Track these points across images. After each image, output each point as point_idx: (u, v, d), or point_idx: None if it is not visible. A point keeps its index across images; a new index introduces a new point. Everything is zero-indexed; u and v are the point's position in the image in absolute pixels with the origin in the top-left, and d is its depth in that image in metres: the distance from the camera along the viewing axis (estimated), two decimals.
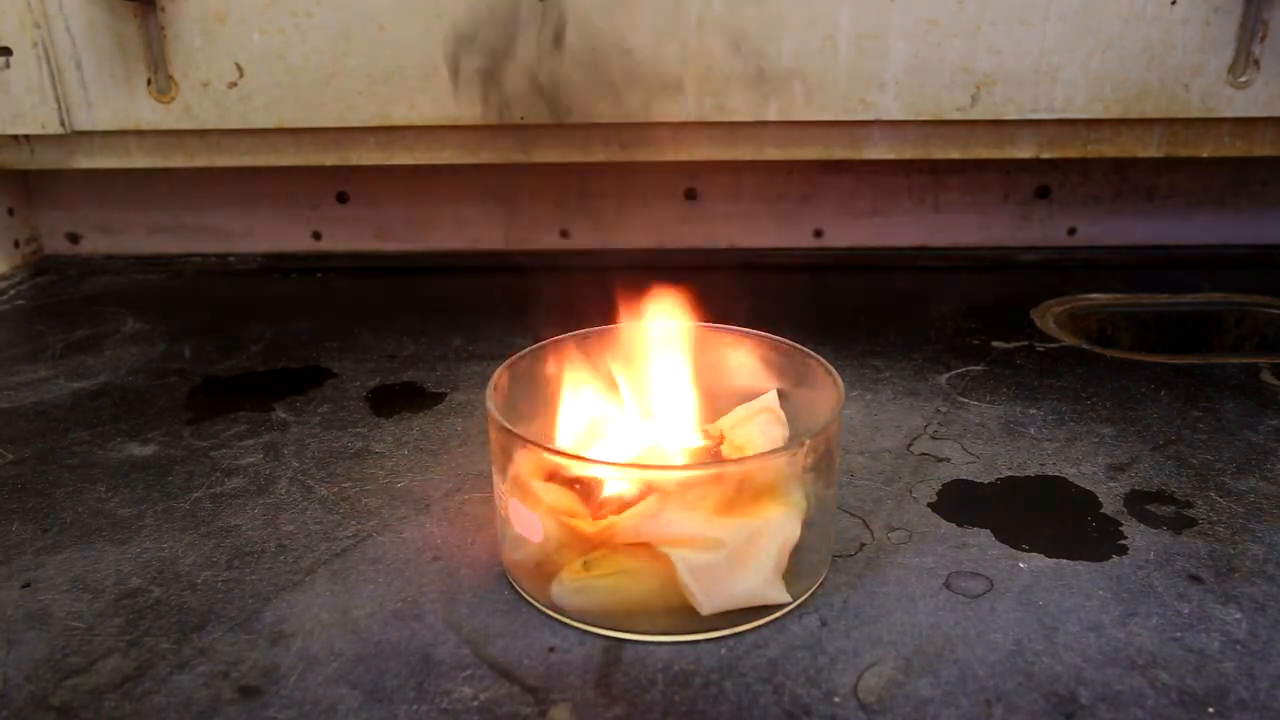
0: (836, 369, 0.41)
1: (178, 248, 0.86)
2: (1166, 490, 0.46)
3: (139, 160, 0.76)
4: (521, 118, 0.71)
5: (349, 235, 0.86)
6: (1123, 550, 0.41)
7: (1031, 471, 0.48)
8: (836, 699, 0.33)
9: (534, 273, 0.83)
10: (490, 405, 0.38)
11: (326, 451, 0.51)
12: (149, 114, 0.73)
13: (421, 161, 0.76)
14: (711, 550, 0.35)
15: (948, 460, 0.49)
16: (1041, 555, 0.41)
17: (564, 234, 0.85)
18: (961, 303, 0.72)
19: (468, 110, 0.71)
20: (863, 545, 0.42)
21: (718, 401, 0.45)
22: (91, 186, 0.84)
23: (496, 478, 0.39)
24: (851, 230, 0.85)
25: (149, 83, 0.72)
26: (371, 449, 0.51)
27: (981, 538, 0.42)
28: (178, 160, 0.76)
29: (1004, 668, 0.35)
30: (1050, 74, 0.70)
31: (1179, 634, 0.36)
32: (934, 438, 0.51)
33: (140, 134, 0.75)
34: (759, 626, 0.37)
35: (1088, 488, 0.47)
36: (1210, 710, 0.33)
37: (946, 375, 0.59)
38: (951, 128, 0.73)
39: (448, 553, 0.42)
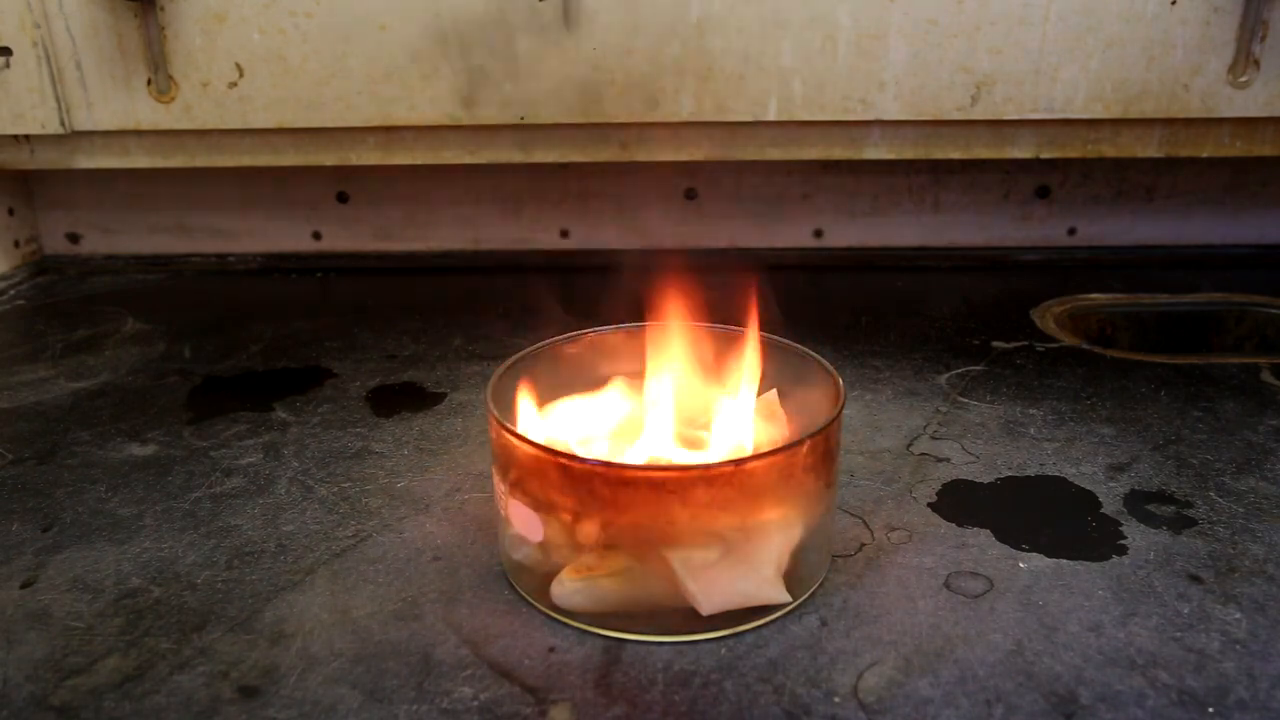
0: (836, 369, 0.41)
1: (178, 248, 0.86)
2: (1166, 490, 0.46)
3: (139, 160, 0.76)
4: (521, 118, 0.71)
5: (349, 235, 0.86)
6: (1123, 550, 0.41)
7: (1031, 471, 0.48)
8: (836, 699, 0.33)
9: (534, 273, 0.83)
10: (490, 405, 0.38)
11: (326, 451, 0.51)
12: (149, 114, 0.73)
13: (421, 161, 0.76)
14: (711, 550, 0.35)
15: (948, 460, 0.49)
16: (1041, 555, 0.41)
17: (564, 234, 0.85)
18: (961, 303, 0.72)
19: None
20: (863, 545, 0.42)
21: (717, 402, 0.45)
22: (91, 186, 0.84)
23: (496, 478, 0.39)
24: (851, 230, 0.85)
25: (149, 83, 0.72)
26: (371, 449, 0.51)
27: (981, 538, 0.42)
28: (178, 160, 0.76)
29: (1004, 668, 0.35)
30: (1050, 74, 0.70)
31: (1179, 634, 0.36)
32: (934, 438, 0.51)
33: (140, 134, 0.75)
34: (759, 626, 0.37)
35: (1088, 488, 0.47)
36: (1210, 710, 0.33)
37: (946, 375, 0.59)
38: (951, 128, 0.73)
39: (448, 553, 0.42)
